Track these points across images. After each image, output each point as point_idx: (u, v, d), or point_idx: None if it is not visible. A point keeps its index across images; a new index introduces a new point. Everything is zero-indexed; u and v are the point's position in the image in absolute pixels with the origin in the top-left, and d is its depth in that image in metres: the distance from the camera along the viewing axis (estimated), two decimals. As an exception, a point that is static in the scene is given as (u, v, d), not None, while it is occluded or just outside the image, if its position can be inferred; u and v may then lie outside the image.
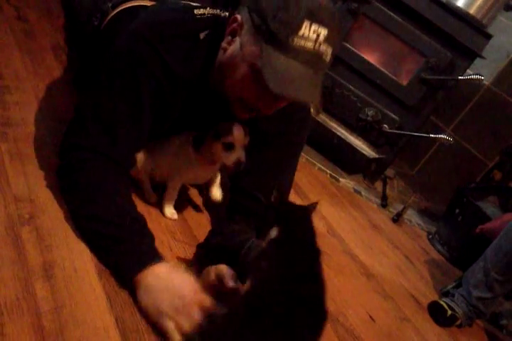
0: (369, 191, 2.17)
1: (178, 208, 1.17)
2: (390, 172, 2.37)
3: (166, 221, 1.10)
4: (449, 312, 1.40)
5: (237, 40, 0.90)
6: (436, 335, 1.36)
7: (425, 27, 1.93)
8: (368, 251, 1.61)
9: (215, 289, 0.87)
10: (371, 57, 2.06)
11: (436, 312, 1.43)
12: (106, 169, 0.94)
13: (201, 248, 1.04)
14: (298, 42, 0.82)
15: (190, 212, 1.19)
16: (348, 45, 2.04)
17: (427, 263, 1.80)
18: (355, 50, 2.05)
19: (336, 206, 1.83)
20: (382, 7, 1.96)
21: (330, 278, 1.29)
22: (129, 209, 0.91)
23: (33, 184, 0.97)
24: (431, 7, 1.90)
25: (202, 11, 0.99)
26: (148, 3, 1.20)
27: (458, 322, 1.42)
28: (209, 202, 1.22)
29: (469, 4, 1.90)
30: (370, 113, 2.04)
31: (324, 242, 1.47)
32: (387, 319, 1.28)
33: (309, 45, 0.83)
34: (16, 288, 0.74)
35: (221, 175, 1.20)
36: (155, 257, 0.86)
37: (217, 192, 1.19)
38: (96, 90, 0.97)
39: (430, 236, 2.07)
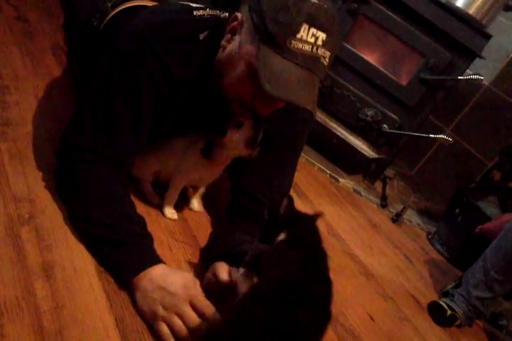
0: (369, 191, 2.17)
1: (178, 208, 1.17)
2: (389, 172, 2.37)
3: (165, 221, 1.10)
4: (449, 312, 1.40)
5: (237, 38, 0.90)
6: (436, 335, 1.36)
7: (425, 27, 1.93)
8: (367, 251, 1.61)
9: (214, 286, 0.87)
10: (371, 58, 2.06)
11: (435, 312, 1.43)
12: (104, 170, 0.94)
13: (204, 255, 1.04)
14: (295, 44, 0.82)
15: (189, 212, 1.19)
16: (348, 46, 2.04)
17: (427, 263, 1.80)
18: (355, 50, 2.05)
19: (336, 206, 1.83)
20: (382, 7, 1.96)
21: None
22: (127, 211, 0.91)
23: (32, 184, 0.97)
24: (430, 7, 1.90)
25: (201, 12, 0.99)
26: (148, 4, 1.20)
27: (457, 322, 1.42)
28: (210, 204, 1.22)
29: (469, 4, 1.90)
30: (370, 113, 2.04)
31: (324, 242, 1.46)
32: (386, 319, 1.28)
33: (307, 48, 0.83)
34: (15, 288, 0.74)
35: (222, 177, 1.20)
36: (152, 259, 0.85)
37: (195, 204, 1.20)
38: (94, 91, 0.97)
39: (430, 236, 2.07)
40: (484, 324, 1.57)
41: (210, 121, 1.05)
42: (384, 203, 2.11)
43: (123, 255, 0.85)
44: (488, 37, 1.88)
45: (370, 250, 1.63)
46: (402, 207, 2.07)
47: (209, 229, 1.17)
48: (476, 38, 1.88)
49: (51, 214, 0.92)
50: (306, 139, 1.19)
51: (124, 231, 0.86)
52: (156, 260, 0.86)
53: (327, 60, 0.87)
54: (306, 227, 0.84)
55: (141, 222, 0.91)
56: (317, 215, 0.87)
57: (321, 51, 0.84)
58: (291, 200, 0.88)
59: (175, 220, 1.12)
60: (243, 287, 0.82)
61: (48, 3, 1.87)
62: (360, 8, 1.98)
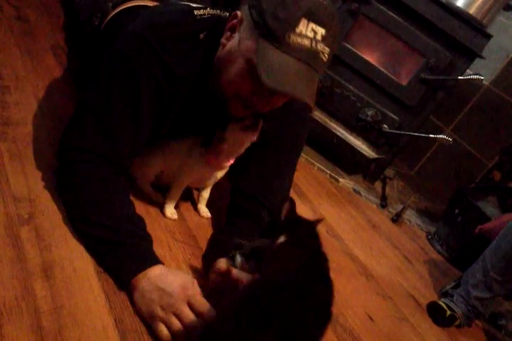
0: (368, 191, 2.17)
1: (178, 208, 1.17)
2: (389, 172, 2.37)
3: (165, 221, 1.10)
4: (448, 312, 1.40)
5: (236, 35, 0.90)
6: (435, 335, 1.36)
7: (425, 27, 1.93)
8: (367, 251, 1.61)
9: (217, 283, 0.87)
10: (371, 57, 2.06)
11: (435, 312, 1.43)
12: (103, 171, 0.94)
13: (206, 261, 1.04)
14: (294, 39, 0.82)
15: (189, 212, 1.19)
16: (348, 45, 2.04)
17: (426, 264, 1.80)
18: (355, 50, 2.05)
19: (336, 206, 1.83)
20: (382, 7, 1.96)
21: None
22: (126, 211, 0.91)
23: (32, 184, 0.97)
24: (431, 7, 1.90)
25: (202, 11, 0.99)
26: (149, 4, 1.20)
27: (457, 323, 1.42)
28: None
29: (469, 4, 1.90)
30: (370, 113, 2.04)
31: (323, 242, 1.47)
32: (386, 319, 1.28)
33: (306, 42, 0.83)
34: (15, 288, 0.74)
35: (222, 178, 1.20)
36: (151, 260, 0.85)
37: (205, 209, 1.21)
38: (95, 91, 0.97)
39: (429, 237, 2.07)
40: (483, 324, 1.57)
41: (209, 121, 1.05)
42: (384, 203, 2.11)
43: (121, 256, 0.85)
44: (488, 37, 1.88)
45: (370, 250, 1.63)
46: (401, 207, 2.07)
47: (209, 229, 1.17)
48: (476, 37, 1.88)
49: (51, 214, 0.92)
50: (306, 139, 1.19)
51: (122, 232, 0.86)
52: (155, 261, 0.86)
53: (326, 55, 0.86)
54: (306, 231, 0.84)
55: (140, 223, 0.91)
56: (318, 220, 0.87)
57: (320, 46, 0.84)
58: (292, 204, 0.88)
59: (175, 220, 1.12)
60: (242, 276, 0.82)
61: (48, 3, 1.87)
62: (361, 8, 1.98)
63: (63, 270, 0.82)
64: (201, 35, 0.96)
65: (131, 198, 0.98)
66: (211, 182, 1.17)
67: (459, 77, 1.93)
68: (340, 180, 2.08)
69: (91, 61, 1.11)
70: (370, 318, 1.23)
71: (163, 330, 0.78)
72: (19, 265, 0.78)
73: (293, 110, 1.08)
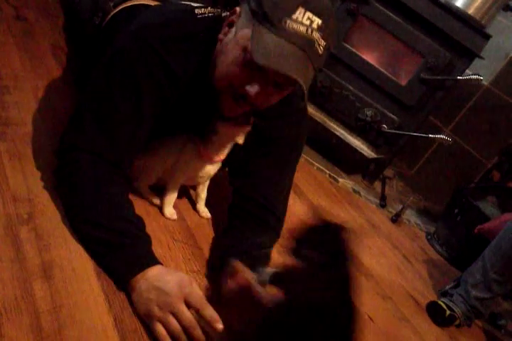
0: (368, 191, 2.17)
1: (177, 208, 1.17)
2: (388, 172, 2.37)
3: (165, 221, 1.10)
4: (448, 312, 1.41)
5: (233, 29, 0.90)
6: (435, 335, 1.36)
7: (424, 27, 1.93)
8: (366, 251, 1.61)
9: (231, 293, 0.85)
10: (370, 58, 2.07)
11: (434, 312, 1.43)
12: (103, 170, 0.93)
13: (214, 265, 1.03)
14: (290, 24, 0.82)
15: (189, 212, 1.19)
16: (347, 45, 2.04)
17: (426, 263, 1.80)
18: (354, 50, 2.05)
19: (335, 206, 1.83)
20: (381, 7, 1.96)
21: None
22: (125, 212, 0.91)
23: (31, 184, 0.97)
24: (430, 7, 1.90)
25: (203, 10, 0.98)
26: (150, 3, 1.19)
27: (456, 322, 1.42)
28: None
29: (468, 4, 1.90)
30: (369, 113, 2.04)
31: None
32: (385, 319, 1.28)
33: (302, 29, 0.82)
34: (14, 288, 0.74)
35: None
36: (149, 261, 0.85)
37: (205, 210, 1.21)
38: (95, 90, 0.97)
39: (429, 236, 2.07)
40: (483, 324, 1.57)
41: (205, 119, 1.05)
42: (383, 203, 2.12)
43: (120, 257, 0.85)
44: (487, 37, 1.88)
45: (369, 250, 1.63)
46: (401, 207, 2.07)
47: (208, 229, 1.17)
48: (475, 38, 1.88)
49: (50, 214, 0.92)
50: (306, 139, 1.19)
51: (120, 233, 0.86)
52: (153, 261, 0.86)
53: (322, 48, 0.86)
54: (336, 245, 0.82)
55: (139, 223, 0.91)
56: (348, 233, 0.85)
57: (316, 35, 0.84)
58: (323, 220, 0.85)
59: (174, 220, 1.12)
60: (264, 295, 0.80)
61: (47, 3, 1.87)
62: (360, 8, 1.98)
63: (63, 270, 0.82)
64: (202, 34, 0.96)
65: (131, 198, 0.98)
66: (205, 178, 1.17)
67: (458, 77, 1.93)
68: (340, 179, 2.08)
69: (92, 60, 1.10)
70: (370, 318, 1.23)
71: (161, 330, 0.78)
72: (18, 265, 0.78)
73: (292, 111, 1.08)
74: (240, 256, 0.94)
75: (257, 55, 0.81)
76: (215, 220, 1.21)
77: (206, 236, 1.14)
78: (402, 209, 2.05)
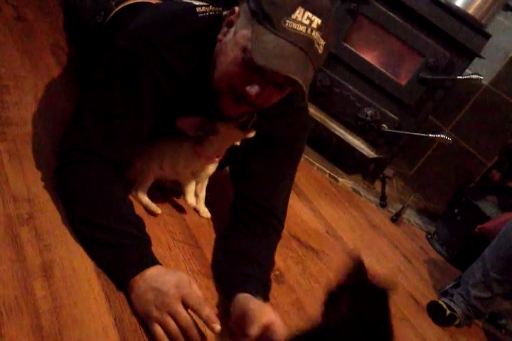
0: (368, 191, 2.17)
1: (177, 208, 1.17)
2: (388, 172, 2.37)
3: (165, 221, 1.10)
4: (448, 311, 1.40)
5: (232, 29, 0.90)
6: (435, 335, 1.36)
7: (424, 27, 1.93)
8: (367, 250, 1.61)
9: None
10: (370, 57, 2.07)
11: (435, 311, 1.43)
12: (103, 170, 0.93)
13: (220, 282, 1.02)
14: (290, 24, 0.82)
15: (189, 212, 1.19)
16: (347, 45, 2.04)
17: (426, 263, 1.80)
18: (354, 50, 2.05)
19: (335, 206, 1.83)
20: (381, 7, 1.96)
21: (329, 277, 1.29)
22: (124, 212, 0.90)
23: (31, 184, 0.96)
24: (430, 7, 1.90)
25: (204, 8, 0.98)
26: (152, 0, 1.19)
27: (457, 322, 1.42)
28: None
29: (468, 4, 1.90)
30: (369, 113, 2.04)
31: (323, 242, 1.47)
32: (386, 319, 1.27)
33: (301, 28, 0.82)
34: (14, 288, 0.74)
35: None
36: (148, 262, 0.85)
37: (205, 210, 1.20)
38: (95, 90, 0.97)
39: (429, 236, 2.07)
40: (483, 323, 1.57)
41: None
42: (383, 203, 2.11)
43: (119, 257, 0.85)
44: (487, 36, 1.88)
45: (370, 250, 1.63)
46: (401, 206, 2.07)
47: (209, 229, 1.17)
48: (475, 37, 1.88)
49: (50, 214, 0.92)
50: (306, 139, 1.19)
51: (120, 234, 0.85)
52: (152, 262, 0.85)
53: (321, 48, 0.86)
54: (375, 301, 0.77)
55: (139, 223, 0.91)
56: (391, 286, 0.81)
57: (315, 35, 0.83)
58: (361, 264, 0.81)
59: (175, 218, 1.11)
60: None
61: (47, 3, 1.87)
62: (360, 8, 1.98)
63: (63, 270, 0.82)
64: (203, 33, 0.95)
65: (131, 198, 0.98)
66: (203, 177, 1.16)
67: (458, 77, 1.93)
68: (340, 179, 2.08)
69: (94, 59, 1.10)
70: (370, 318, 1.22)
71: (159, 331, 0.77)
72: (19, 265, 0.78)
73: (292, 110, 1.08)
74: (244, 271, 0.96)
75: (256, 55, 0.81)
76: (215, 220, 1.21)
77: (206, 236, 1.14)
78: (402, 208, 2.05)
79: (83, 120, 0.94)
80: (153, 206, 1.10)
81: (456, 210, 1.97)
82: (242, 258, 1.01)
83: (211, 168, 1.14)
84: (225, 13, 0.99)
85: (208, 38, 0.95)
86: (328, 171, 2.06)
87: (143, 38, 0.92)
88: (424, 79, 1.96)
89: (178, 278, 0.81)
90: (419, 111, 2.05)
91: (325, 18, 0.84)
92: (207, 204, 1.22)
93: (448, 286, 1.55)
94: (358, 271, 0.73)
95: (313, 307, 1.12)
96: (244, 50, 0.85)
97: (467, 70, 2.01)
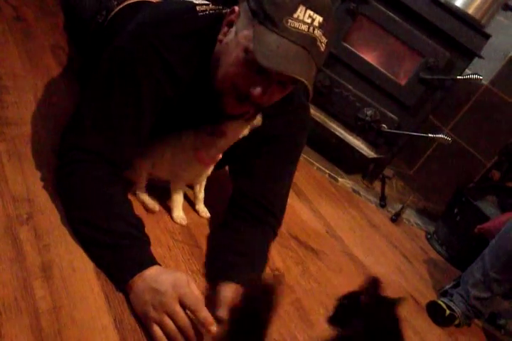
0: (368, 191, 2.17)
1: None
2: (388, 172, 2.37)
3: (164, 221, 1.10)
4: (448, 311, 1.41)
5: (233, 29, 0.90)
6: (435, 335, 1.36)
7: (424, 27, 1.93)
8: (366, 250, 1.61)
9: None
10: (370, 57, 2.07)
11: (434, 311, 1.43)
12: (102, 170, 0.93)
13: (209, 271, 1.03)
14: (292, 23, 0.82)
15: (189, 212, 1.19)
16: (347, 45, 2.04)
17: (426, 263, 1.80)
18: (354, 50, 2.05)
19: (335, 206, 1.83)
20: (381, 7, 1.96)
21: (329, 277, 1.29)
22: (124, 212, 0.90)
23: (31, 184, 0.96)
24: (429, 7, 1.90)
25: (204, 7, 0.98)
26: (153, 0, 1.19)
27: (456, 322, 1.42)
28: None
29: (468, 4, 1.90)
30: (369, 113, 2.04)
31: (323, 242, 1.47)
32: (385, 319, 1.27)
33: (303, 27, 0.82)
34: (14, 288, 0.74)
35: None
36: (147, 262, 0.85)
37: (204, 209, 1.20)
38: (95, 90, 0.97)
39: (429, 236, 2.07)
40: (483, 323, 1.57)
41: (205, 119, 1.05)
42: (383, 203, 2.12)
43: (118, 258, 0.85)
44: (487, 36, 1.88)
45: (369, 250, 1.63)
46: (401, 206, 2.07)
47: (208, 229, 1.17)
48: (475, 37, 1.88)
49: (50, 214, 0.92)
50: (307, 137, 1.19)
51: (119, 234, 0.85)
52: (151, 262, 0.85)
53: (323, 45, 0.86)
54: (387, 315, 0.78)
55: (138, 224, 0.90)
56: (400, 299, 0.83)
57: (317, 33, 0.83)
58: (376, 283, 0.83)
59: (183, 225, 1.11)
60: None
61: (47, 2, 1.87)
62: (359, 8, 1.98)
63: (62, 270, 0.82)
64: (203, 32, 0.95)
65: (131, 198, 0.98)
66: (202, 178, 1.16)
67: (458, 77, 1.93)
68: (340, 179, 2.08)
69: (95, 59, 1.10)
70: (370, 318, 1.22)
71: (157, 331, 0.77)
72: (18, 265, 0.78)
73: (293, 108, 1.08)
74: (236, 264, 0.96)
75: (260, 56, 0.80)
76: (215, 220, 1.21)
77: (206, 236, 1.14)
78: (401, 208, 2.05)
79: (83, 120, 0.94)
80: (151, 203, 1.10)
81: (455, 210, 1.97)
82: (231, 249, 1.02)
83: (210, 168, 1.14)
84: (224, 11, 0.99)
85: (208, 37, 0.95)
86: (327, 171, 2.06)
87: (142, 37, 0.92)
88: (423, 79, 1.96)
89: (175, 277, 0.81)
90: (418, 111, 2.05)
91: (326, 16, 0.84)
92: (206, 204, 1.22)
93: (447, 286, 1.55)
94: (371, 284, 0.76)
95: (313, 308, 1.12)
96: (246, 50, 0.85)
97: (467, 70, 2.01)
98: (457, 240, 1.93)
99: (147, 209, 1.09)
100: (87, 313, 0.76)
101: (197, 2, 1.01)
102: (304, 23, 0.82)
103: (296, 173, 1.20)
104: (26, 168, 1.00)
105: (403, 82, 2.02)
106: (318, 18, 0.83)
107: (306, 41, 0.83)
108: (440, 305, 1.43)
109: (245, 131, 1.05)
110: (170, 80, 0.95)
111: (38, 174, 1.00)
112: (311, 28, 0.83)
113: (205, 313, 0.77)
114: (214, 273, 0.99)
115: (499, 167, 2.18)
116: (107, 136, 0.93)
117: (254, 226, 1.09)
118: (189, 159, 1.09)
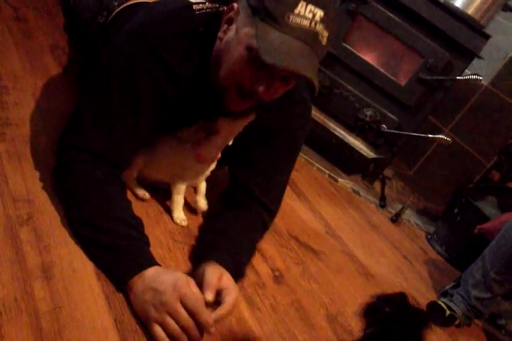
0: (367, 191, 2.17)
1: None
2: (388, 172, 2.37)
3: (164, 221, 1.10)
4: (448, 312, 1.40)
5: (233, 26, 0.89)
6: (435, 335, 1.36)
7: (423, 27, 1.93)
8: (366, 251, 1.61)
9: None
10: (369, 58, 2.07)
11: (434, 312, 1.43)
12: (101, 171, 0.93)
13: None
14: (294, 19, 0.82)
15: (188, 212, 1.19)
16: (347, 45, 2.04)
17: (426, 264, 1.80)
18: (354, 51, 2.05)
19: (335, 206, 1.83)
20: (380, 7, 1.96)
21: (329, 278, 1.29)
22: (123, 213, 0.90)
23: (31, 184, 0.96)
24: (429, 7, 1.90)
25: (201, 5, 0.98)
26: (152, 0, 1.19)
27: (456, 322, 1.42)
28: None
29: (467, 4, 1.90)
30: (369, 113, 2.05)
31: (323, 242, 1.47)
32: (386, 319, 1.27)
33: (305, 23, 0.82)
34: (14, 289, 0.74)
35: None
36: (146, 262, 0.85)
37: (202, 202, 1.20)
38: (93, 90, 0.97)
39: (429, 237, 2.07)
40: (483, 324, 1.57)
41: (205, 117, 1.05)
42: (383, 203, 2.11)
43: (117, 259, 0.85)
44: (486, 37, 1.88)
45: (369, 250, 1.63)
46: (400, 207, 2.07)
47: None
48: (474, 38, 1.88)
49: (50, 214, 0.92)
50: (306, 139, 1.19)
51: (118, 235, 0.85)
52: (150, 262, 0.85)
53: (325, 39, 0.86)
54: (410, 322, 0.79)
55: (137, 224, 0.90)
56: (423, 311, 0.84)
57: (319, 27, 0.84)
58: (405, 297, 0.83)
59: (184, 226, 1.11)
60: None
61: (47, 3, 1.87)
62: (359, 8, 1.98)
63: (62, 270, 0.82)
64: (200, 30, 0.95)
65: (130, 198, 0.98)
66: (203, 177, 1.16)
67: (458, 78, 1.93)
68: (340, 180, 2.08)
69: (95, 59, 1.10)
70: (370, 318, 1.23)
71: (159, 331, 0.77)
72: (18, 265, 0.78)
73: (293, 103, 1.08)
74: (220, 251, 0.96)
75: (264, 53, 0.80)
76: (215, 220, 1.21)
77: (206, 236, 1.14)
78: (401, 209, 2.05)
79: (82, 120, 0.94)
80: (141, 192, 1.10)
81: (455, 210, 1.97)
82: (217, 235, 1.03)
83: (211, 167, 1.14)
84: (221, 9, 0.98)
85: (206, 35, 0.95)
86: (327, 171, 2.06)
87: (140, 37, 0.92)
88: (423, 80, 1.96)
89: (176, 278, 0.81)
90: (418, 111, 2.05)
91: (327, 9, 0.84)
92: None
93: (448, 286, 1.55)
94: (399, 295, 0.77)
95: (313, 308, 1.12)
96: (249, 48, 0.85)
97: (466, 71, 2.01)
98: (457, 240, 1.93)
99: (137, 197, 1.10)
100: (87, 314, 0.76)
101: (193, 1, 1.01)
102: (306, 18, 0.82)
103: (296, 173, 1.21)
104: (26, 168, 1.00)
105: (403, 83, 2.02)
106: (319, 13, 0.83)
107: (308, 37, 0.83)
108: (440, 306, 1.42)
109: (240, 128, 1.05)
110: (168, 79, 0.95)
111: (38, 174, 1.00)
112: (313, 23, 0.83)
113: (206, 316, 0.77)
114: (196, 254, 1.00)
115: (499, 167, 2.18)
116: (105, 136, 0.93)
117: (243, 215, 1.09)
118: (187, 158, 1.09)
